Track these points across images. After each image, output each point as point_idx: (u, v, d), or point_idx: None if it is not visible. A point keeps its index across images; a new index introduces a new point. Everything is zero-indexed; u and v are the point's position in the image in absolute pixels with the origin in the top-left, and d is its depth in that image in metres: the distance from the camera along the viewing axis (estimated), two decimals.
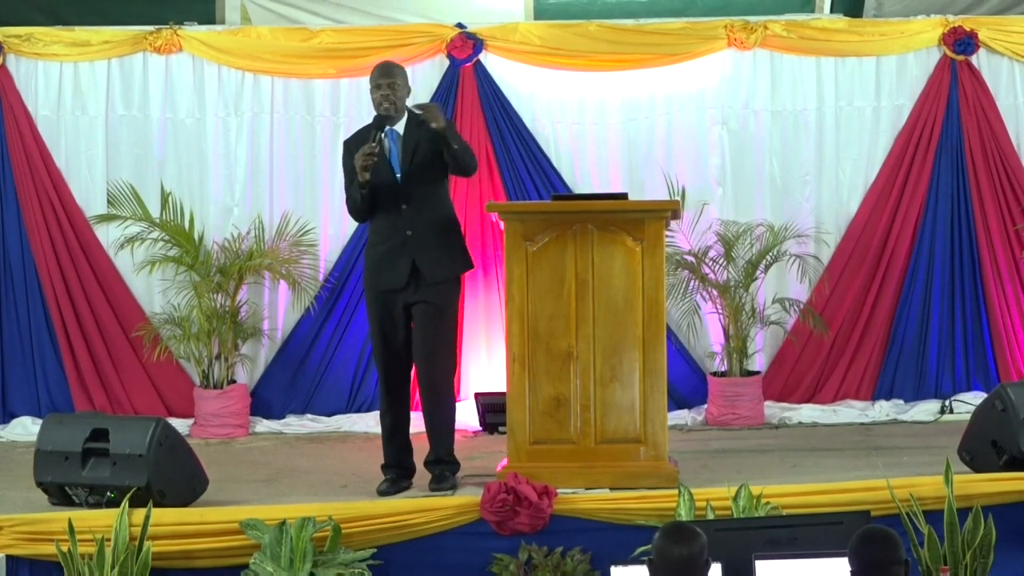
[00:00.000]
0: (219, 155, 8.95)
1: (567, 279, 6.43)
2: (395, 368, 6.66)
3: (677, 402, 8.62)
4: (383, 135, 6.57)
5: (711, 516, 5.83)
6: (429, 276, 6.53)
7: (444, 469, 6.65)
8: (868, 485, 6.12)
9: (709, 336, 8.75)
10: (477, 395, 8.52)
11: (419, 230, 6.54)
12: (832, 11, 9.45)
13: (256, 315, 8.84)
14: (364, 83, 8.84)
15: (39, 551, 5.97)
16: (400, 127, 6.65)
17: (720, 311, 8.60)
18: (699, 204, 8.70)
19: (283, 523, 5.85)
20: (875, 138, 8.96)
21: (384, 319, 6.61)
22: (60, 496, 6.37)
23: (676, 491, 5.96)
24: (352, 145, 6.64)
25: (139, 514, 5.86)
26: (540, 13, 9.40)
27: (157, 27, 8.89)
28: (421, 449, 6.73)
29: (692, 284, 8.58)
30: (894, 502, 5.86)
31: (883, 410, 8.63)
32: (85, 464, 6.30)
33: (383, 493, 6.54)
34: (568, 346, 6.43)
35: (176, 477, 6.34)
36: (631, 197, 7.05)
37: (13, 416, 8.78)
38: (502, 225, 6.58)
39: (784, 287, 8.82)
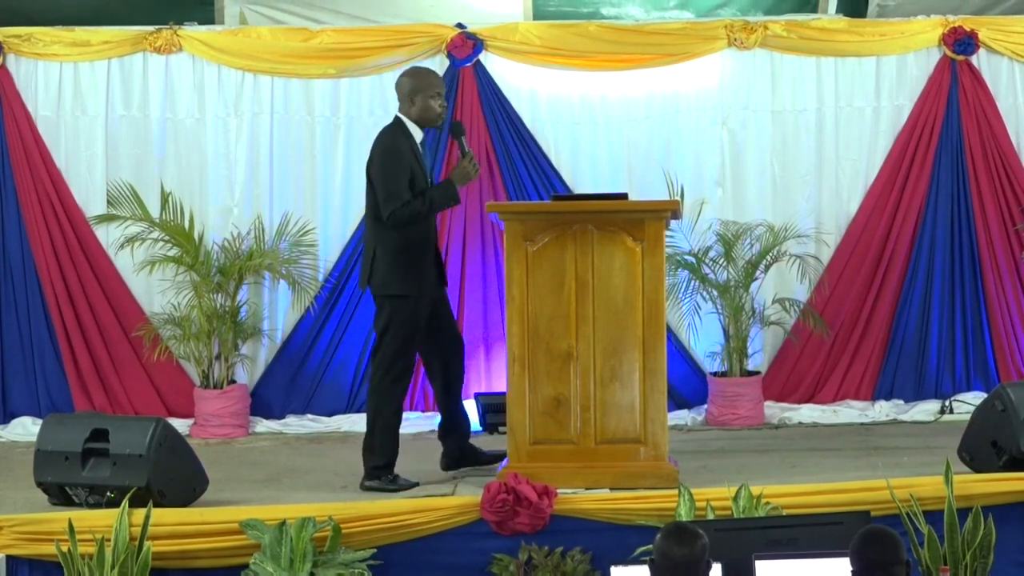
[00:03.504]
0: (219, 155, 8.95)
1: (567, 279, 6.43)
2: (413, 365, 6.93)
3: (677, 402, 8.63)
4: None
5: (711, 516, 5.83)
6: (441, 279, 6.89)
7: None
8: (868, 485, 6.12)
9: (709, 336, 8.75)
10: (477, 395, 8.53)
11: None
12: (836, 12, 9.47)
13: (256, 315, 8.83)
14: (364, 83, 8.94)
15: (39, 551, 5.97)
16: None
17: (720, 311, 8.59)
18: (699, 204, 8.70)
19: (283, 523, 5.85)
20: (875, 138, 8.97)
21: (424, 319, 6.75)
22: (60, 496, 6.37)
23: (676, 491, 5.96)
24: (407, 152, 6.68)
25: (139, 514, 5.86)
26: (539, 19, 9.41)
27: (157, 27, 8.89)
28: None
29: (692, 284, 8.58)
30: (894, 502, 5.86)
31: (883, 410, 8.64)
32: (85, 464, 6.30)
33: (412, 486, 6.65)
34: (568, 346, 6.43)
35: (176, 477, 6.34)
36: (631, 197, 7.05)
37: (13, 416, 8.78)
38: (502, 225, 6.58)
39: (784, 287, 8.82)
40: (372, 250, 6.72)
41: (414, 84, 6.74)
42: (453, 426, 6.98)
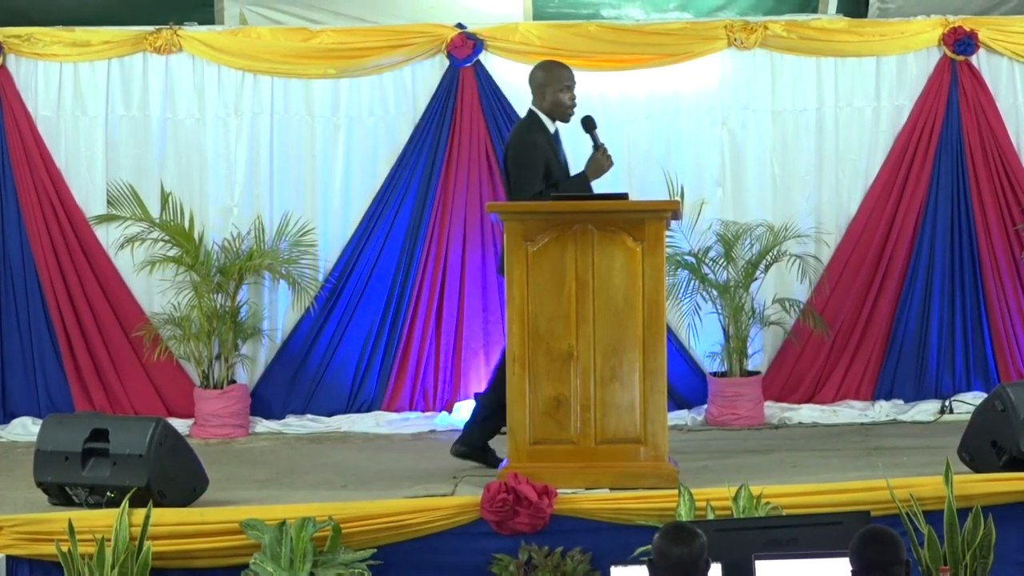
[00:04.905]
0: (219, 155, 8.95)
1: (567, 279, 6.43)
2: None
3: (677, 402, 8.63)
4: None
5: (711, 516, 5.83)
6: None
7: None
8: (868, 485, 6.12)
9: (709, 336, 8.74)
10: (477, 395, 8.51)
11: None
12: (836, 12, 9.47)
13: (256, 315, 8.83)
14: (364, 83, 8.94)
15: (39, 551, 5.97)
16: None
17: (720, 311, 8.59)
18: (699, 204, 8.70)
19: (283, 523, 5.85)
20: (875, 138, 8.96)
21: None
22: (60, 496, 6.37)
23: (676, 491, 5.96)
24: (541, 144, 6.81)
25: (139, 514, 5.86)
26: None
27: (157, 27, 8.89)
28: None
29: (692, 284, 8.58)
30: (894, 502, 5.86)
31: (883, 410, 8.63)
32: (85, 464, 6.30)
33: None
34: (568, 346, 6.43)
35: (176, 477, 6.34)
36: (631, 197, 7.05)
37: (13, 416, 8.78)
38: (502, 225, 6.57)
39: (784, 287, 8.82)
40: None
41: (544, 78, 6.95)
42: (491, 415, 6.95)
